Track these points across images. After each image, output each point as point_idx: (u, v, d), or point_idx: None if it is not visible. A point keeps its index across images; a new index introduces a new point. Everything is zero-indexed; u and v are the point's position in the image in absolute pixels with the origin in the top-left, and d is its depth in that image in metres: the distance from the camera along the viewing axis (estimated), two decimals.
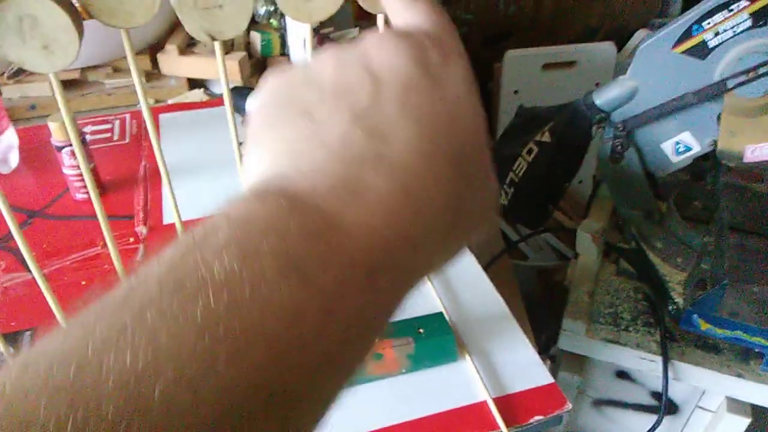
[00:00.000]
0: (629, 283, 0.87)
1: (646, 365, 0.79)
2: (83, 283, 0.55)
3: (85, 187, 0.65)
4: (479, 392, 0.44)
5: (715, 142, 0.78)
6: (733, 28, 0.70)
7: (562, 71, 1.36)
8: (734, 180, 0.81)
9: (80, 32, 0.28)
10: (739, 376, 0.75)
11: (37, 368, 0.13)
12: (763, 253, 0.73)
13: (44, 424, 0.12)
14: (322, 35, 0.87)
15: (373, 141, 0.18)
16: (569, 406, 0.42)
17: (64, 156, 0.63)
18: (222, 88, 0.87)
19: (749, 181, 0.81)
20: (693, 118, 0.77)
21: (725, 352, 0.77)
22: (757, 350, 0.75)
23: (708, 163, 0.88)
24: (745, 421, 0.80)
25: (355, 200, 0.17)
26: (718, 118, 0.75)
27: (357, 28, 0.94)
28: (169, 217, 0.64)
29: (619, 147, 0.84)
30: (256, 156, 0.20)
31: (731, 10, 0.69)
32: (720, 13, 0.70)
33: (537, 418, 0.42)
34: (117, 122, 0.79)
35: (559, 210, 1.38)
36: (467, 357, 0.46)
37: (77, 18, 0.28)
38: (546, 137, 0.90)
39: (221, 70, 0.33)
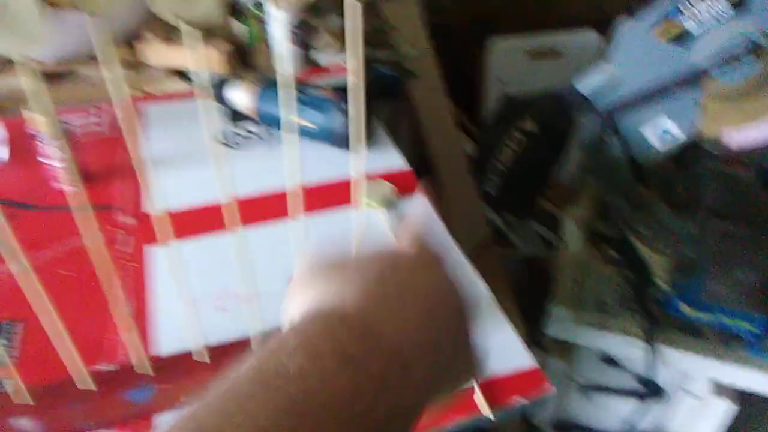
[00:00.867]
0: (615, 270, 0.87)
1: (632, 350, 0.80)
2: (67, 273, 0.55)
3: (66, 177, 0.65)
4: None
5: (697, 129, 0.78)
6: (714, 15, 0.71)
7: (547, 60, 1.36)
8: (717, 166, 0.82)
9: (46, 19, 0.28)
10: (722, 359, 0.76)
11: None
12: (745, 239, 0.74)
13: None
14: (302, 23, 0.86)
15: (397, 288, 0.26)
16: (553, 389, 0.43)
17: (45, 148, 0.63)
18: (203, 79, 0.86)
19: (732, 167, 0.81)
20: (675, 105, 0.78)
21: (709, 337, 0.78)
22: (739, 334, 0.76)
23: (690, 149, 0.89)
24: (732, 408, 0.81)
25: (390, 316, 0.24)
26: (699, 104, 0.75)
27: (335, 17, 0.93)
28: (153, 207, 0.63)
29: (602, 134, 0.85)
30: (299, 299, 0.27)
31: None
32: (702, 1, 0.70)
33: (519, 400, 0.43)
34: (102, 114, 0.79)
35: (546, 198, 1.38)
36: None
37: (44, 5, 0.28)
38: (531, 125, 0.90)
39: (197, 55, 0.33)
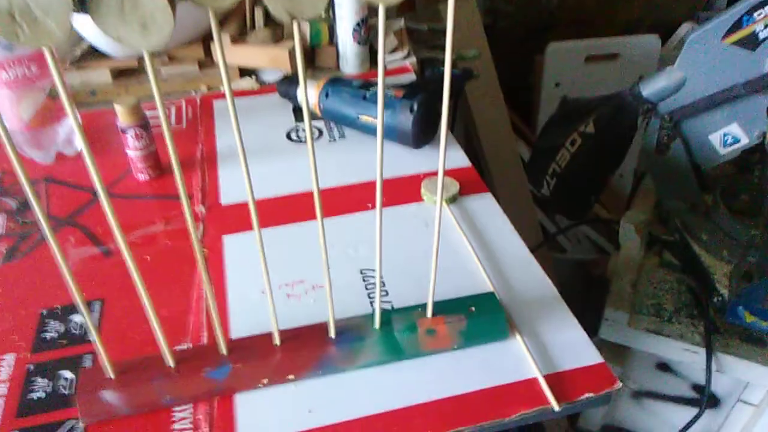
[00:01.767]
0: (673, 275, 0.87)
1: (689, 356, 0.79)
2: (148, 258, 0.58)
3: (147, 168, 0.69)
4: (529, 369, 0.45)
5: (764, 135, 0.77)
6: None
7: (604, 64, 1.35)
8: None
9: (174, 13, 0.30)
10: None
11: None
12: None
13: None
14: (369, 25, 0.88)
15: None
16: (619, 384, 0.43)
17: (129, 138, 0.66)
18: (273, 76, 0.89)
19: None
20: (741, 110, 0.77)
21: None
22: None
23: (756, 155, 0.87)
24: None
25: None
26: None
27: (402, 20, 0.95)
28: (226, 197, 0.66)
29: (666, 138, 0.84)
30: None
31: None
32: None
33: (587, 395, 0.43)
34: (173, 108, 0.82)
35: (599, 203, 1.37)
36: (517, 336, 0.48)
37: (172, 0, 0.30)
38: (590, 128, 0.90)
39: (298, 48, 0.35)
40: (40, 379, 0.47)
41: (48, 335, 0.51)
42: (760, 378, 0.77)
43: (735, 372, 0.78)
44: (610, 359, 0.88)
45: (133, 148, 0.66)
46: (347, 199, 0.65)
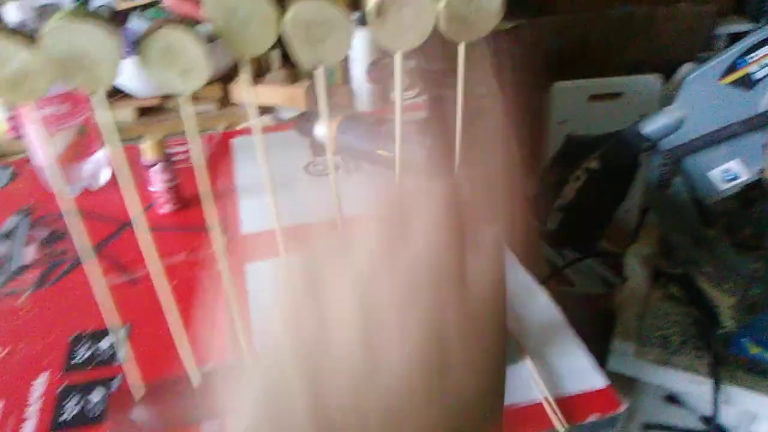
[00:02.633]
0: (678, 308, 0.88)
1: (696, 388, 0.80)
2: (173, 284, 0.61)
3: (169, 202, 0.72)
4: (536, 392, 0.47)
5: (762, 170, 0.80)
6: None
7: (607, 102, 1.39)
8: None
9: (210, 58, 0.34)
10: None
11: None
12: None
13: None
14: (382, 66, 0.93)
15: None
16: (625, 406, 0.45)
17: (153, 174, 0.70)
18: (289, 114, 0.93)
19: None
20: (740, 147, 0.80)
21: None
22: None
23: (756, 191, 0.90)
24: None
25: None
26: (765, 146, 0.77)
27: (413, 61, 1.00)
28: (246, 227, 0.69)
29: (667, 174, 0.87)
30: None
31: None
32: (763, 48, 0.73)
33: (592, 417, 0.45)
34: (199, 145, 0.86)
35: (605, 237, 1.39)
36: (525, 360, 0.50)
37: (208, 47, 0.34)
38: (594, 164, 0.93)
39: (322, 93, 0.38)
40: (70, 400, 0.49)
41: (77, 359, 0.53)
42: (766, 409, 0.78)
43: (742, 403, 0.79)
44: (619, 392, 0.89)
45: (157, 182, 0.70)
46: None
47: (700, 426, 0.89)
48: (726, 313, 0.81)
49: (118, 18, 0.92)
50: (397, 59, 0.37)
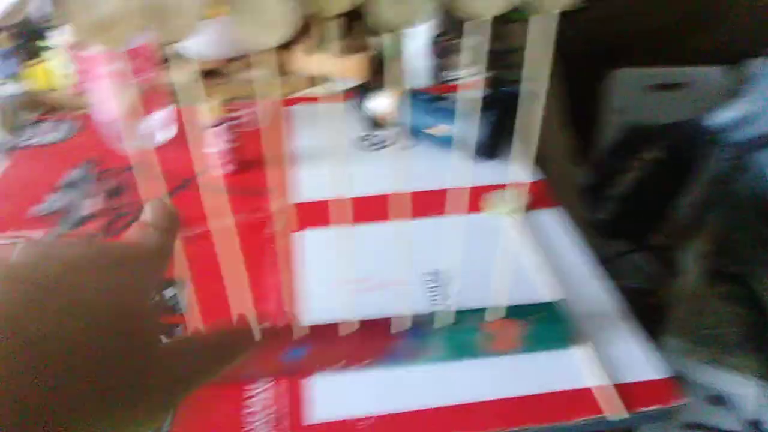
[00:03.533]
0: (733, 307, 0.86)
1: (745, 390, 0.78)
2: (229, 245, 0.62)
3: (226, 163, 0.73)
4: (592, 378, 0.46)
5: None
6: None
7: (669, 93, 1.34)
8: None
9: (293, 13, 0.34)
10: None
11: None
12: None
13: None
14: (442, 42, 0.91)
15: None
16: (686, 400, 0.44)
17: (213, 135, 0.70)
18: (346, 85, 0.92)
19: None
20: None
21: None
22: None
23: None
24: None
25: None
26: None
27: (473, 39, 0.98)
28: (302, 195, 0.70)
29: (731, 169, 0.84)
30: None
31: None
32: None
33: (653, 407, 0.44)
34: (249, 110, 0.87)
35: (659, 232, 1.36)
36: (582, 344, 0.49)
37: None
38: (655, 155, 0.91)
39: (395, 65, 0.38)
40: None
41: None
42: None
43: None
44: None
45: (216, 143, 0.71)
46: (414, 205, 0.67)
47: (745, 429, 0.87)
48: None
49: None
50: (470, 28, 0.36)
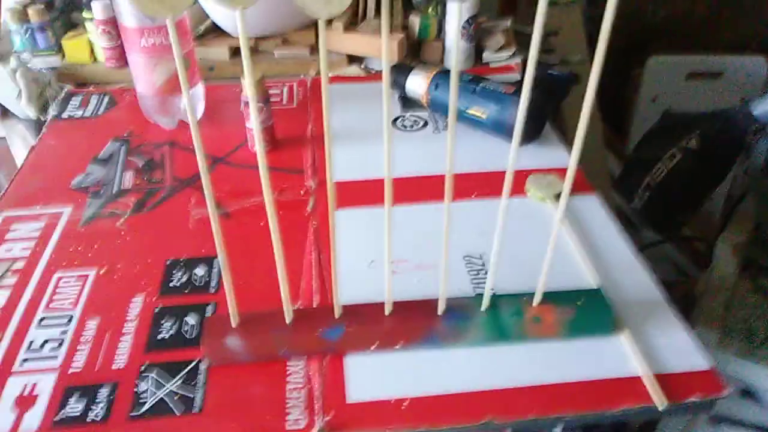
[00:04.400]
0: (765, 300, 0.84)
1: None
2: (261, 224, 0.62)
3: (263, 141, 0.72)
4: (634, 366, 0.46)
5: None
6: None
7: (706, 82, 1.31)
8: None
9: None
10: None
11: None
12: None
13: None
14: (477, 23, 0.90)
15: None
16: (728, 391, 0.43)
17: (246, 112, 0.70)
18: (381, 65, 0.91)
19: None
20: None
21: None
22: None
23: None
24: None
25: None
26: None
27: (510, 21, 0.97)
28: (336, 174, 0.69)
29: None
30: None
31: None
32: None
33: (694, 397, 0.43)
34: (285, 88, 0.86)
35: (691, 224, 1.34)
36: (623, 332, 0.48)
37: None
38: (693, 144, 0.89)
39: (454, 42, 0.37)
40: (166, 321, 0.51)
41: (174, 282, 0.55)
42: None
43: None
44: None
45: (251, 120, 0.70)
46: (453, 187, 0.66)
47: None
48: None
49: None
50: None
